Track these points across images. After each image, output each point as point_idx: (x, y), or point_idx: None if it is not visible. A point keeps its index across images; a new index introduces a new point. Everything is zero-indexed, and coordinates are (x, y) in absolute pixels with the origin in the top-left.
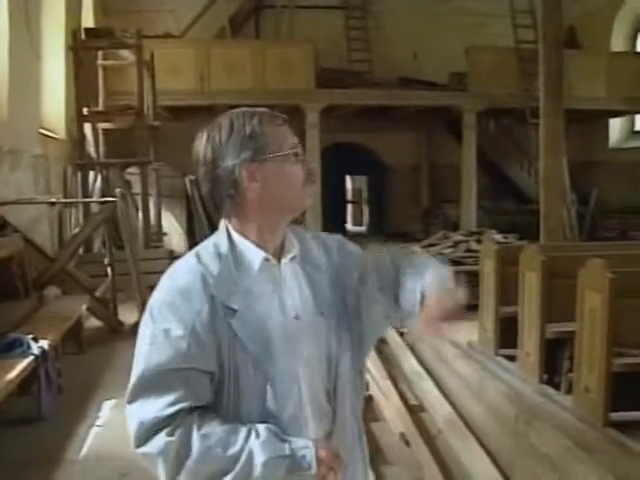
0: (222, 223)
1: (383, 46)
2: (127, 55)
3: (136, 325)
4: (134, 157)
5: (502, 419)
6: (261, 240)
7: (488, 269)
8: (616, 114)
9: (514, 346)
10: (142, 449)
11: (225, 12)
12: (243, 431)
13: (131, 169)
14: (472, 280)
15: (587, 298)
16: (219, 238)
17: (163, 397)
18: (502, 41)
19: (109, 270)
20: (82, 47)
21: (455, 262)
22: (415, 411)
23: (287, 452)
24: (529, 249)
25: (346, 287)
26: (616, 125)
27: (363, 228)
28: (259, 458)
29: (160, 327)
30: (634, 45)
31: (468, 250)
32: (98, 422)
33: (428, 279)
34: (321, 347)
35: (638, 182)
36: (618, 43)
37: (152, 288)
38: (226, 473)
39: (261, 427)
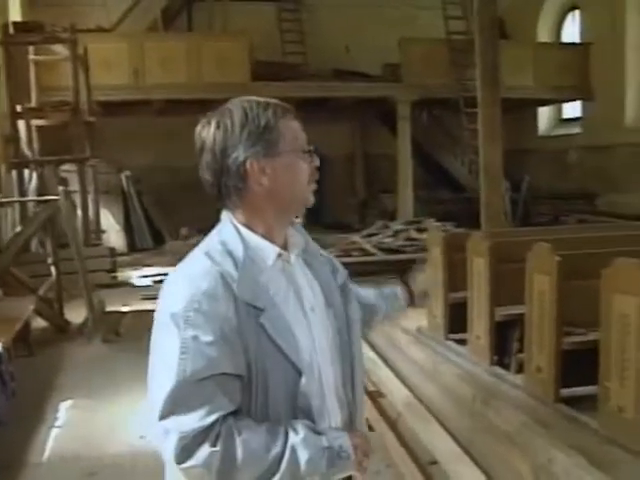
0: (225, 215)
1: (317, 38)
2: (60, 50)
3: (84, 324)
4: (69, 154)
5: (459, 400)
6: (269, 234)
7: (435, 256)
8: (544, 103)
9: (463, 330)
10: (185, 464)
11: (157, 4)
12: (282, 430)
13: (66, 166)
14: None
15: (536, 281)
16: (225, 234)
17: (200, 407)
18: (434, 32)
19: (53, 269)
20: (12, 42)
21: (396, 251)
22: (374, 397)
23: (326, 444)
24: (476, 236)
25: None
26: (544, 113)
27: (299, 219)
28: (302, 455)
29: (188, 335)
30: (559, 36)
31: (408, 239)
32: (57, 423)
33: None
34: (336, 337)
35: (566, 169)
36: (544, 34)
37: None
38: (272, 475)
39: (297, 423)
